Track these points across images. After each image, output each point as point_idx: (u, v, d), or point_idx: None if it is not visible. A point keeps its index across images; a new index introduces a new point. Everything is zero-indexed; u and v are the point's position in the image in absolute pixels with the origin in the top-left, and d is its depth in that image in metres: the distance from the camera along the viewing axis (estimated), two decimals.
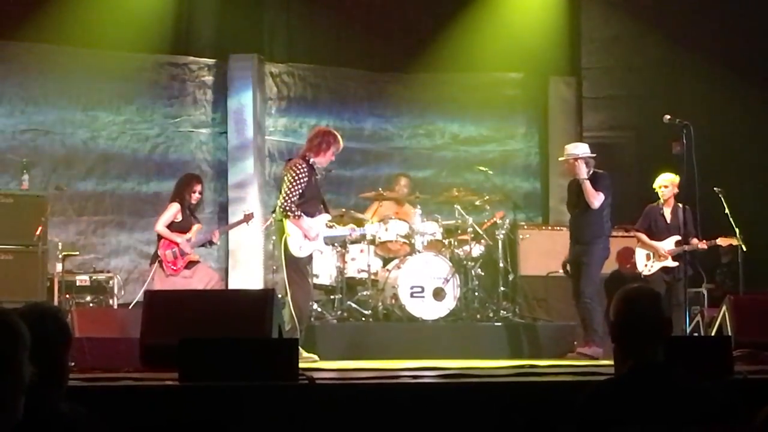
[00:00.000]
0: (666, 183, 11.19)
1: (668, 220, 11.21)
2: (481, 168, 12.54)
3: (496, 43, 13.71)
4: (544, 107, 14.27)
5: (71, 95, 12.56)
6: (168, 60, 13.12)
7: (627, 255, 11.72)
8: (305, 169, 9.37)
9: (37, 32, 12.11)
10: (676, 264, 10.98)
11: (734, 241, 10.91)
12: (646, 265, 11.24)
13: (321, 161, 9.55)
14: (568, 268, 10.56)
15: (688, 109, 11.46)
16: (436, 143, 14.15)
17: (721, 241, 10.99)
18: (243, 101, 13.09)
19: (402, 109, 14.12)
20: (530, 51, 13.89)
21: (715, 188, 11.03)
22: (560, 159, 10.71)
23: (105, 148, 12.73)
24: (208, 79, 13.30)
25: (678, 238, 10.94)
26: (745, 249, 11.22)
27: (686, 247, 10.73)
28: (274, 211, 9.66)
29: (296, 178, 9.33)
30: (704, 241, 10.94)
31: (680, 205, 11.02)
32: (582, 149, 10.48)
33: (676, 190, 11.12)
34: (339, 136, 9.67)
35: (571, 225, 10.62)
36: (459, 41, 13.58)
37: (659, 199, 11.26)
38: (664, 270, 11.10)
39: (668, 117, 10.26)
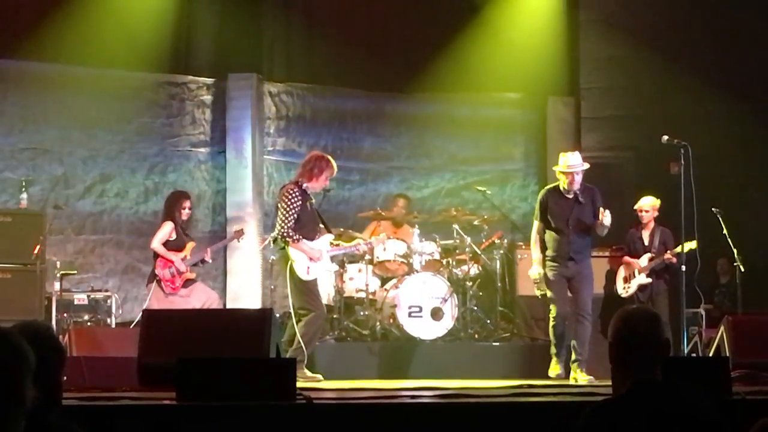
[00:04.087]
0: (647, 207, 11.32)
1: (645, 242, 11.35)
2: (480, 188, 12.56)
3: (494, 63, 13.73)
4: (543, 127, 14.27)
5: (70, 114, 12.56)
6: (167, 79, 13.12)
7: (611, 277, 11.79)
8: (298, 195, 9.43)
9: (36, 51, 12.14)
10: (649, 280, 11.13)
11: (692, 246, 10.71)
12: (624, 287, 11.34)
13: (314, 186, 9.61)
14: (551, 285, 10.11)
15: (687, 130, 11.46)
16: (435, 163, 14.15)
17: (680, 248, 10.74)
18: (242, 120, 13.09)
19: (401, 129, 14.12)
20: (529, 71, 13.90)
21: (713, 209, 11.04)
22: (575, 169, 10.03)
23: (103, 167, 12.73)
24: (207, 98, 13.31)
25: (651, 255, 11.09)
26: (743, 269, 11.24)
27: (657, 261, 10.93)
28: (275, 241, 9.66)
29: (290, 204, 9.40)
30: (669, 252, 10.99)
31: (659, 227, 11.19)
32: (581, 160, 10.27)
33: (656, 214, 11.27)
34: (332, 161, 9.71)
35: (566, 242, 10.04)
36: (458, 61, 13.60)
37: (640, 221, 11.40)
38: (640, 289, 11.20)
39: (667, 137, 10.27)
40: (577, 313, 10.02)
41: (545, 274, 10.08)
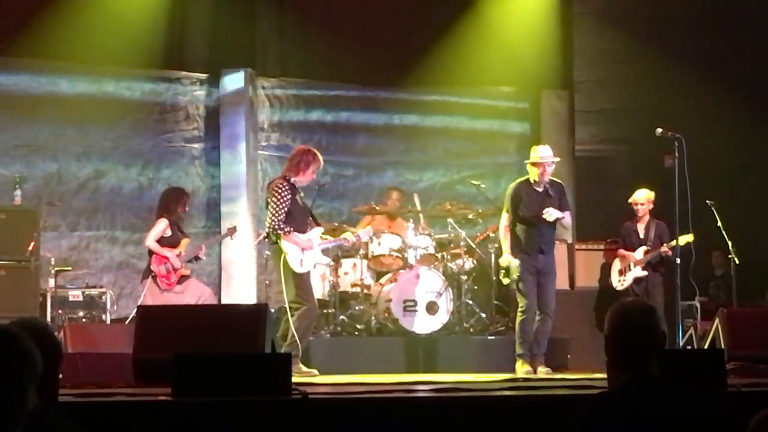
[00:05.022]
0: (642, 200, 11.40)
1: (641, 235, 11.40)
2: (474, 182, 12.55)
3: (488, 56, 13.71)
4: (537, 121, 14.24)
5: (63, 111, 12.53)
6: (160, 75, 13.08)
7: (606, 270, 11.82)
8: (287, 189, 9.46)
9: (30, 47, 12.10)
10: (645, 273, 11.19)
11: (689, 239, 10.68)
12: (619, 280, 11.40)
13: (302, 180, 9.64)
14: (519, 279, 10.07)
15: (681, 122, 11.48)
16: (429, 157, 14.13)
17: (676, 241, 10.74)
18: (235, 116, 13.05)
19: (395, 123, 14.11)
20: (523, 64, 13.89)
21: (707, 201, 11.06)
22: (546, 160, 10.08)
23: (97, 163, 12.70)
24: (201, 93, 13.28)
25: (647, 248, 11.15)
26: (738, 262, 11.26)
27: (653, 254, 10.98)
28: (267, 237, 9.67)
29: (280, 199, 9.43)
30: (665, 245, 11.04)
31: (655, 220, 11.24)
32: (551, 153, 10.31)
33: (651, 206, 11.32)
34: (318, 154, 9.74)
35: (537, 234, 10.08)
36: (452, 55, 13.57)
37: (635, 214, 11.48)
38: (636, 281, 11.26)
39: (660, 130, 10.29)
40: (542, 311, 10.07)
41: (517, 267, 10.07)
